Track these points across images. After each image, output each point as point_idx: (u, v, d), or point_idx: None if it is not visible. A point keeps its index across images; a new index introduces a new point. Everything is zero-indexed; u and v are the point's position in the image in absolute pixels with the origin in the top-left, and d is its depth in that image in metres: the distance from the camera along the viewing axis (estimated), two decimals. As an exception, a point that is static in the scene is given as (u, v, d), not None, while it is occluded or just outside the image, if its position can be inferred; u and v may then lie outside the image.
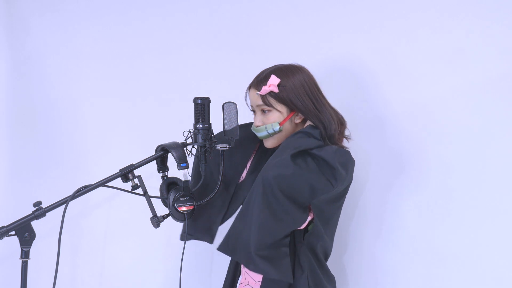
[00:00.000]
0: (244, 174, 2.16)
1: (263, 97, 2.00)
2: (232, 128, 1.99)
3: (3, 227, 1.81)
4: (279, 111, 2.01)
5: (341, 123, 2.06)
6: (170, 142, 1.96)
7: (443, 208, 2.23)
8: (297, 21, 2.51)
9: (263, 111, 2.03)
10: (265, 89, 1.98)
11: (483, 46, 2.18)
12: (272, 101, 2.00)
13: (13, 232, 1.82)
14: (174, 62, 2.72)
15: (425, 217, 2.26)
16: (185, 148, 1.95)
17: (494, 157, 2.16)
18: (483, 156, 2.17)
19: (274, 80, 1.98)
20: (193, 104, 1.97)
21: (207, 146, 1.97)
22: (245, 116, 2.11)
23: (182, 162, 1.90)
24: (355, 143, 2.15)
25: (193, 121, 1.98)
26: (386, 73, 2.33)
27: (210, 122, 1.98)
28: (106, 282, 2.82)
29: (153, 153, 1.99)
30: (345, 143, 2.09)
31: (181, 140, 1.98)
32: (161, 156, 1.98)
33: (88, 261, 2.84)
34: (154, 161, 1.98)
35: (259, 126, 2.04)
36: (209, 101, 1.98)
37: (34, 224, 1.85)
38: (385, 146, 2.34)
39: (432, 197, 2.25)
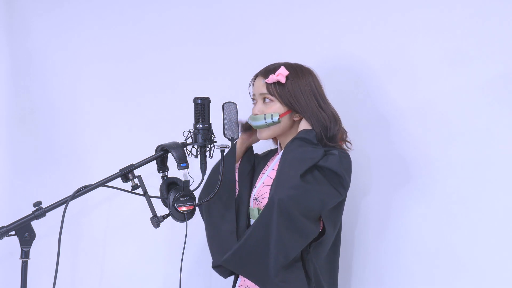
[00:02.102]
0: (237, 186, 2.16)
1: (268, 85, 2.01)
2: (232, 128, 1.99)
3: (3, 227, 1.81)
4: (280, 103, 2.01)
5: (343, 131, 2.07)
6: (170, 142, 1.96)
7: (450, 211, 2.22)
8: (298, 21, 2.51)
9: (265, 100, 2.03)
10: (272, 78, 1.99)
11: (487, 46, 2.17)
12: (276, 91, 2.00)
13: (13, 232, 1.82)
14: (174, 62, 2.72)
15: (431, 221, 2.25)
16: (185, 148, 1.95)
17: (502, 159, 2.14)
18: (491, 158, 2.15)
19: (283, 71, 1.99)
20: (193, 104, 1.97)
21: (207, 146, 1.97)
22: (245, 116, 2.11)
23: (182, 162, 1.90)
24: (357, 145, 2.15)
25: (193, 121, 1.98)
26: (388, 73, 2.33)
27: (210, 122, 1.98)
28: (106, 282, 2.82)
29: (153, 153, 1.99)
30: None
31: (181, 140, 1.98)
32: (161, 156, 1.98)
33: (88, 261, 2.83)
34: (154, 161, 1.98)
35: (257, 114, 2.04)
36: (209, 101, 1.98)
37: (34, 224, 1.84)
38: (388, 148, 2.33)
39: (438, 200, 2.23)
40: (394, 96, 2.32)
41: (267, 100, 2.03)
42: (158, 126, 2.70)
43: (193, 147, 1.98)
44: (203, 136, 1.96)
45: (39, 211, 1.84)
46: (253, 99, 2.11)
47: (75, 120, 2.85)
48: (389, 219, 2.33)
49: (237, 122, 2.01)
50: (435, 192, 2.24)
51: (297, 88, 2.00)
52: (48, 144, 2.87)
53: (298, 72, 2.02)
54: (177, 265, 2.00)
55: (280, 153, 2.09)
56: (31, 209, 1.85)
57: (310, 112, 1.99)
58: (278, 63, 2.04)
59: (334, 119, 2.01)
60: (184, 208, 1.93)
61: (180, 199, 1.92)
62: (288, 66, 2.02)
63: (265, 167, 2.15)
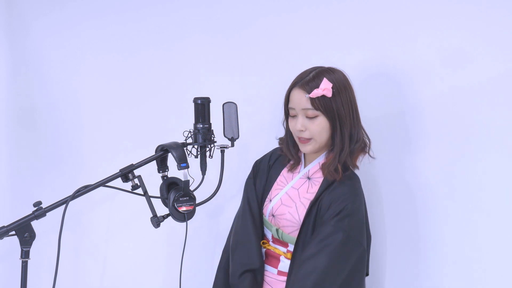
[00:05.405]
0: None
1: (312, 100, 1.89)
2: (232, 128, 1.99)
3: (3, 227, 1.81)
4: (325, 117, 1.91)
5: (364, 144, 2.00)
6: (170, 142, 1.96)
7: (450, 211, 2.21)
8: (299, 20, 2.50)
9: (307, 115, 1.92)
10: (317, 92, 1.86)
11: (489, 46, 2.16)
12: (321, 105, 1.88)
13: (13, 232, 1.82)
14: (174, 62, 2.72)
15: (432, 221, 2.24)
16: (185, 148, 1.95)
17: (503, 160, 2.14)
18: (495, 159, 2.14)
19: (327, 84, 1.87)
20: (193, 104, 1.98)
21: (207, 146, 1.97)
22: (245, 116, 2.11)
23: (182, 162, 1.90)
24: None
25: (193, 121, 1.98)
26: (388, 73, 2.33)
27: (210, 122, 1.98)
28: (106, 282, 2.82)
29: (153, 153, 1.99)
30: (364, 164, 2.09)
31: (181, 140, 1.98)
32: (161, 156, 1.98)
33: (89, 261, 2.84)
34: (154, 161, 1.98)
35: (302, 131, 1.94)
36: (209, 101, 1.98)
37: (34, 224, 1.85)
38: (387, 148, 2.32)
39: (440, 200, 2.23)
40: (394, 96, 2.31)
41: (310, 116, 1.91)
42: (158, 126, 2.70)
43: (193, 147, 1.98)
44: (203, 136, 1.96)
45: (39, 211, 1.84)
46: (292, 114, 1.96)
47: (75, 119, 2.85)
48: (393, 218, 2.33)
49: (237, 122, 2.01)
50: (439, 191, 2.24)
51: (339, 101, 1.90)
52: (48, 144, 2.87)
53: (337, 79, 1.91)
54: (177, 265, 2.00)
55: (302, 168, 2.06)
56: (31, 209, 1.85)
57: (345, 125, 1.92)
58: (315, 71, 1.93)
59: (361, 135, 1.97)
60: (184, 208, 1.93)
61: (180, 199, 1.92)
62: (327, 74, 1.90)
63: (280, 177, 2.10)
